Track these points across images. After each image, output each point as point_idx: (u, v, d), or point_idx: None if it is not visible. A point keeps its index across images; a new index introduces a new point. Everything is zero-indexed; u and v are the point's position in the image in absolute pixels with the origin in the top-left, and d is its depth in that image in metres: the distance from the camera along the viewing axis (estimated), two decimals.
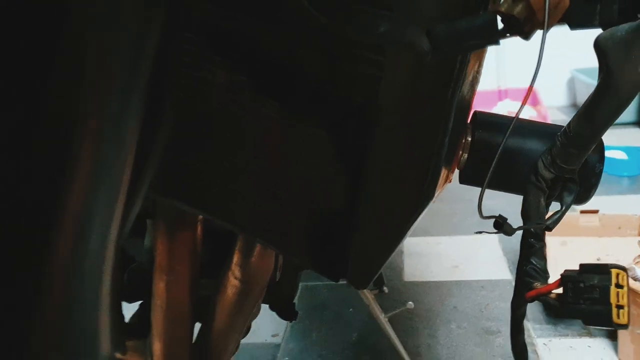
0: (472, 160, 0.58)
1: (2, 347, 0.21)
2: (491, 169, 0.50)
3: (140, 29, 0.30)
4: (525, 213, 0.55)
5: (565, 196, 0.53)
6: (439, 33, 0.38)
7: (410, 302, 1.42)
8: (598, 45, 0.46)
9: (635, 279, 1.25)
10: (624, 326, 0.48)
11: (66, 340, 0.23)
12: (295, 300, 1.13)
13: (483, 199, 0.53)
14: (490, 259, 1.88)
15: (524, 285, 0.54)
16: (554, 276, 1.21)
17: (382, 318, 1.37)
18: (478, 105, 0.59)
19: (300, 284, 1.85)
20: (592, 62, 0.48)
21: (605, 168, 0.57)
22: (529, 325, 1.53)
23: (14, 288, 0.22)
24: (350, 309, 1.69)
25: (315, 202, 0.54)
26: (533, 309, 1.59)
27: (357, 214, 0.51)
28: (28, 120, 0.23)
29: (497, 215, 0.51)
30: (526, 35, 0.38)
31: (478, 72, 0.52)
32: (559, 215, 0.53)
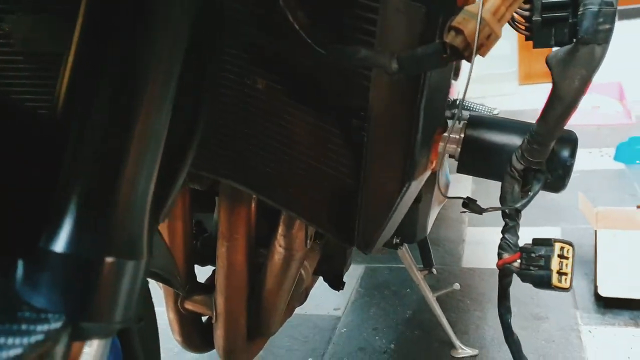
0: (463, 153, 0.71)
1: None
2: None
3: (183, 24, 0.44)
4: (502, 197, 0.67)
5: (534, 184, 0.65)
6: (403, 57, 0.51)
7: (456, 284, 1.52)
8: (547, 62, 0.57)
9: None
10: (565, 289, 0.59)
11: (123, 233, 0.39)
12: (346, 274, 1.27)
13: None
14: None
15: (498, 256, 0.66)
16: (604, 267, 1.33)
17: (431, 297, 1.49)
18: None
19: (364, 265, 2.01)
20: None
21: None
22: (577, 313, 1.59)
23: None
24: (408, 290, 1.82)
25: (332, 183, 0.69)
26: (584, 299, 1.64)
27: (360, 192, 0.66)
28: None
29: (465, 197, 0.64)
30: (467, 59, 0.50)
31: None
32: (527, 200, 0.65)
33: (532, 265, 0.61)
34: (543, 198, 2.35)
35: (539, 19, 0.57)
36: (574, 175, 2.48)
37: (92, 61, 0.38)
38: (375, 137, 0.60)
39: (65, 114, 0.38)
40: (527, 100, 3.68)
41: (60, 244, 0.35)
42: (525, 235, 2.13)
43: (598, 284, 1.54)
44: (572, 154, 0.67)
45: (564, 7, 0.56)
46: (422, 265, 1.54)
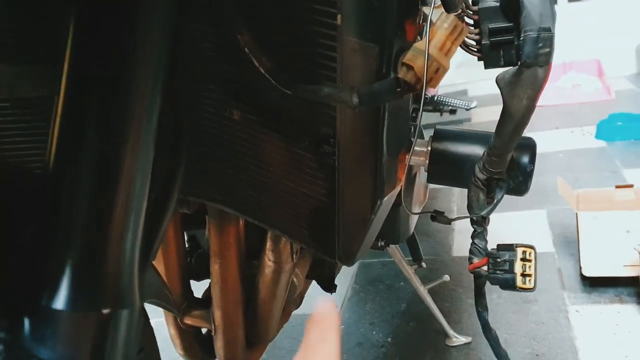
0: (431, 165, 0.76)
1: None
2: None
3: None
4: (469, 205, 0.71)
5: (497, 192, 0.69)
6: (362, 93, 0.56)
7: (446, 275, 1.58)
8: (496, 82, 0.62)
9: None
10: (530, 289, 0.64)
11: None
12: (341, 271, 1.32)
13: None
14: (536, 234, 1.99)
15: (469, 260, 0.71)
16: (587, 248, 1.41)
17: (422, 290, 1.54)
18: None
19: (358, 261, 2.05)
20: None
21: None
22: (564, 294, 1.65)
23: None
24: (401, 283, 1.87)
25: (310, 203, 0.73)
26: (571, 279, 1.70)
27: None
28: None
29: (432, 210, 0.68)
30: (419, 91, 0.55)
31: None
32: (491, 207, 0.69)
33: (498, 269, 0.66)
34: None
35: (488, 42, 0.62)
36: (557, 155, 2.54)
37: (76, 118, 0.43)
38: (345, 161, 0.65)
39: (56, 172, 0.43)
40: None
41: (60, 302, 0.39)
42: (513, 220, 2.17)
43: (582, 264, 1.60)
44: (532, 160, 0.72)
45: (508, 31, 0.61)
46: (412, 260, 1.59)
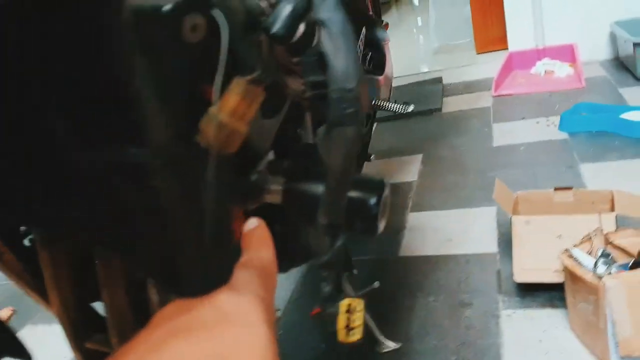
0: (286, 205, 0.75)
1: None
2: None
3: None
4: (312, 250, 0.71)
5: (338, 238, 0.69)
6: (168, 153, 0.55)
7: (376, 282, 1.58)
8: (316, 136, 0.61)
9: (573, 259, 1.35)
10: (355, 342, 0.64)
11: None
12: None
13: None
14: (483, 232, 1.99)
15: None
16: (519, 253, 1.41)
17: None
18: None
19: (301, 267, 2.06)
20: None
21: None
22: (499, 297, 1.65)
23: None
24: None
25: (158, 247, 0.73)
26: (508, 282, 1.70)
27: None
28: None
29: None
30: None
31: None
32: (330, 252, 0.69)
33: (329, 321, 0.66)
34: (481, 177, 2.40)
35: (310, 94, 0.62)
36: (519, 149, 2.51)
37: None
38: (172, 216, 0.65)
39: None
40: (482, 70, 3.70)
41: None
42: (462, 217, 2.15)
43: (513, 270, 1.60)
44: (377, 203, 0.71)
45: (325, 85, 0.60)
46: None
